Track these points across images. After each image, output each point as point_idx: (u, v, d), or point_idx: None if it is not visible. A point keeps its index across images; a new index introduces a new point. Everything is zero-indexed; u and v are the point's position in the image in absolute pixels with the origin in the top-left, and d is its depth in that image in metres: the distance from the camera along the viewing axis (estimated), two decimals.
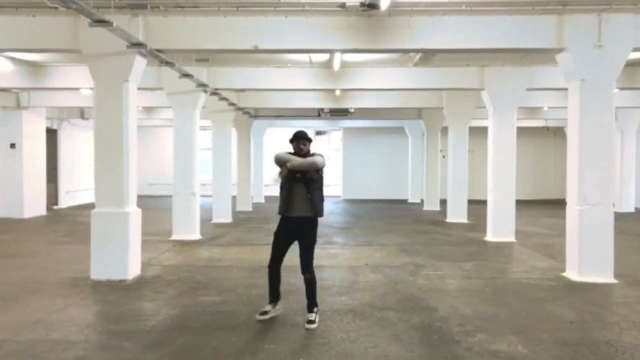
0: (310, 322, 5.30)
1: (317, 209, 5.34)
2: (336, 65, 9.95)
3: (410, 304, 6.09)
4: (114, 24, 6.00)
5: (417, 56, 9.93)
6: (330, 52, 8.53)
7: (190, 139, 10.84)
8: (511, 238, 10.75)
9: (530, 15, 7.18)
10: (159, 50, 7.36)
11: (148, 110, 18.22)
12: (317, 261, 8.48)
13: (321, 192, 5.43)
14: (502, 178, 10.79)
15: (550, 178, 22.82)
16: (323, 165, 5.39)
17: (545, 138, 22.59)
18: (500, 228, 10.81)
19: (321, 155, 5.45)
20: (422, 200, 19.45)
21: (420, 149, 20.57)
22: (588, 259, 7.20)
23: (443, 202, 17.06)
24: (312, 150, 5.52)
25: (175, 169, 10.89)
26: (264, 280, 6.69)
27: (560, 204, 20.59)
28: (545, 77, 10.76)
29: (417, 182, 20.53)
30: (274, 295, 5.57)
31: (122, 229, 7.28)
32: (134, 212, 7.47)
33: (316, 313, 5.41)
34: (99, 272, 7.25)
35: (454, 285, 7.01)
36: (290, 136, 5.46)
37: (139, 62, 7.34)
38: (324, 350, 4.64)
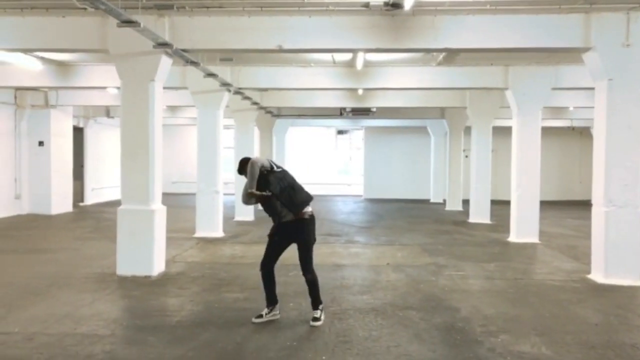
0: (316, 319, 5.30)
1: (293, 210, 5.25)
2: (359, 64, 9.97)
3: (433, 304, 6.09)
4: (141, 25, 6.11)
5: (441, 55, 9.88)
6: (354, 51, 8.56)
7: (213, 138, 10.96)
8: (535, 239, 10.63)
9: (557, 14, 7.10)
10: (184, 50, 7.46)
11: (172, 109, 18.43)
12: (339, 260, 8.58)
13: (288, 192, 5.24)
14: (526, 178, 10.68)
15: (576, 179, 22.48)
16: (253, 172, 5.18)
17: (571, 138, 22.26)
18: (523, 229, 10.71)
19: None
20: (444, 200, 19.32)
21: (442, 149, 20.44)
22: (614, 261, 7.09)
23: (465, 202, 16.95)
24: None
25: (199, 167, 11.03)
26: (285, 278, 6.78)
27: (586, 205, 20.27)
28: (572, 76, 10.61)
29: (440, 182, 20.40)
30: (270, 299, 5.47)
31: (147, 226, 7.40)
32: (159, 210, 7.59)
33: (321, 310, 5.39)
34: (124, 268, 7.39)
35: (477, 286, 6.98)
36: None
37: (165, 62, 7.45)
38: (346, 349, 4.66)
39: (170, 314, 5.73)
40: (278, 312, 5.52)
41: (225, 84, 10.38)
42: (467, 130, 17.83)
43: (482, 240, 10.94)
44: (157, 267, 7.52)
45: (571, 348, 4.68)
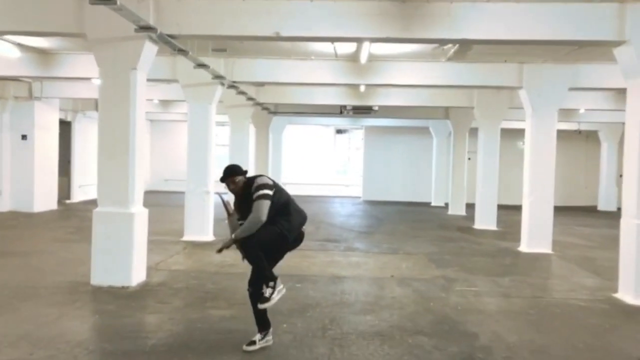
0: (251, 343, 4.61)
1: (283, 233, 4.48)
2: (363, 57, 9.20)
3: (446, 328, 5.34)
4: (118, 3, 5.34)
5: (452, 50, 9.13)
6: (359, 41, 7.77)
7: (205, 135, 10.18)
8: (547, 249, 9.90)
9: (588, 3, 6.36)
10: (170, 36, 6.69)
11: (164, 103, 17.66)
12: (338, 270, 7.84)
13: (285, 217, 4.48)
14: (540, 184, 9.98)
15: (581, 184, 21.75)
16: (257, 220, 4.34)
17: (577, 142, 21.49)
18: (535, 238, 9.98)
19: (261, 187, 4.40)
20: (446, 204, 18.62)
21: (445, 150, 19.73)
22: None
23: (469, 207, 16.25)
24: (245, 180, 4.54)
25: (189, 166, 10.25)
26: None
27: (592, 211, 19.76)
28: (590, 76, 9.90)
29: (441, 185, 19.69)
30: (261, 323, 4.66)
31: (126, 231, 6.65)
32: (140, 213, 6.83)
33: (263, 336, 4.66)
34: (100, 277, 6.63)
35: (493, 305, 6.23)
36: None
37: (149, 49, 6.68)
38: None
39: (146, 335, 4.98)
40: (271, 337, 4.75)
41: (218, 77, 9.61)
42: (472, 131, 17.12)
43: (491, 250, 10.20)
44: (137, 276, 6.76)
45: None
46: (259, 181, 4.48)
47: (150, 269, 7.40)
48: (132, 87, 6.59)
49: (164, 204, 15.61)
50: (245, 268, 4.71)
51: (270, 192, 4.41)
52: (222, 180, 4.60)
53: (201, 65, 8.53)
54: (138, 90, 6.66)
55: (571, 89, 10.01)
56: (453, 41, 7.43)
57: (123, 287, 6.54)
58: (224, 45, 9.22)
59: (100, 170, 6.77)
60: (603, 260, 9.36)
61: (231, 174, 4.56)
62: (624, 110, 15.61)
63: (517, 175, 20.00)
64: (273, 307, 5.09)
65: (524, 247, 10.09)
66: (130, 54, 6.55)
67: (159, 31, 6.32)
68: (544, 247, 9.93)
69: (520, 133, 20.93)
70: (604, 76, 9.76)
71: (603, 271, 8.26)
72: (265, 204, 4.36)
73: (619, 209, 20.50)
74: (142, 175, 7.01)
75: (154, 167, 22.66)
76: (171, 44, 6.88)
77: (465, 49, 8.96)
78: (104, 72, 6.68)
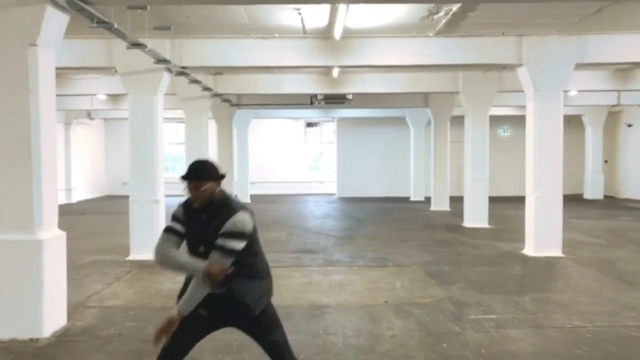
0: None
1: (244, 303, 3.02)
2: (337, 32, 7.60)
3: None
4: None
5: (443, 21, 7.63)
6: (333, 1, 6.11)
7: (150, 131, 8.44)
8: (558, 252, 8.53)
9: None
10: (83, 1, 4.98)
11: (114, 99, 15.79)
12: (318, 297, 6.24)
13: (252, 272, 3.12)
14: (546, 177, 8.61)
15: (565, 171, 20.60)
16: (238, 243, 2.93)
17: None
18: (543, 239, 8.58)
19: (238, 236, 2.91)
20: (426, 199, 17.32)
21: (423, 141, 18.45)
22: None
23: (452, 200, 14.97)
24: (216, 192, 3.02)
25: (132, 170, 8.55)
26: (246, 341, 4.42)
27: (578, 200, 18.63)
28: (601, 49, 8.51)
29: (420, 178, 18.36)
30: None
31: (32, 265, 4.92)
32: (53, 239, 5.11)
33: None
34: None
35: (525, 343, 4.74)
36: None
37: (54, 17, 4.95)
38: None
39: None
40: None
41: (163, 61, 7.89)
42: (454, 120, 15.77)
43: (493, 255, 8.77)
44: (51, 323, 5.06)
45: None
46: (240, 219, 2.93)
47: (76, 307, 5.76)
48: (31, 69, 4.86)
49: (119, 210, 13.70)
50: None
51: (242, 245, 2.95)
52: (185, 177, 2.99)
53: (136, 45, 6.80)
54: (41, 73, 4.93)
55: (579, 64, 8.60)
56: (454, 0, 5.87)
57: (31, 340, 4.85)
58: (166, 21, 7.50)
59: None
60: (624, 263, 8.04)
61: (198, 174, 2.98)
62: (619, 91, 14.67)
63: (500, 165, 18.92)
64: None
65: (530, 251, 8.70)
66: (26, 25, 4.81)
67: None
68: (554, 249, 8.55)
69: (500, 119, 19.79)
70: (617, 49, 8.44)
71: (633, 279, 6.94)
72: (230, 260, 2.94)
73: (607, 196, 19.54)
74: (55, 189, 5.31)
75: (111, 169, 20.74)
76: (86, 11, 5.17)
77: (459, 18, 7.45)
78: None
